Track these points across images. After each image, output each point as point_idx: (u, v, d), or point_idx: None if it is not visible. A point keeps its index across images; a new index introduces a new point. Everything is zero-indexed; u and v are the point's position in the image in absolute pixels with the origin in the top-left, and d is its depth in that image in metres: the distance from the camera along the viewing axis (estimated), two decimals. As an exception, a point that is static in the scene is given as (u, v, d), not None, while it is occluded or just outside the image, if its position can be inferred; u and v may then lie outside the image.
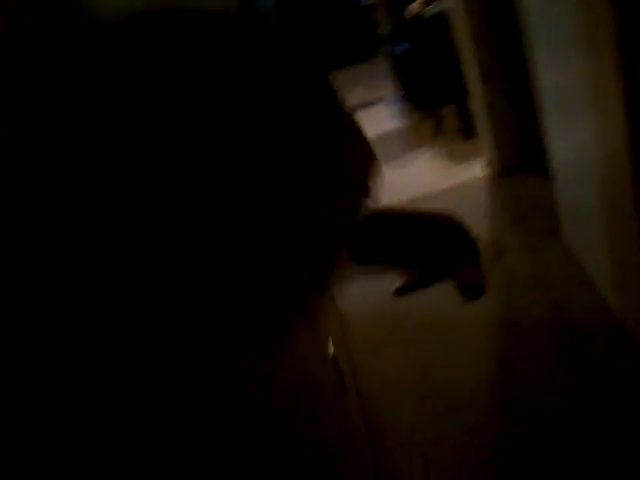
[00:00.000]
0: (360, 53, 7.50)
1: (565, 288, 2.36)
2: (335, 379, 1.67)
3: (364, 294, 2.78)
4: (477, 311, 2.42)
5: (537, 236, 2.75)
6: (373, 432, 1.98)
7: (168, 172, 0.43)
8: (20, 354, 0.49)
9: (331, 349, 1.82)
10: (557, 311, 2.27)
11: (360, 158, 0.61)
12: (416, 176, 3.87)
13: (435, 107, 4.39)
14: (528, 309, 2.35)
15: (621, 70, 1.50)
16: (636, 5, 1.44)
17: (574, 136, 2.14)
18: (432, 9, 4.14)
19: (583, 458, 1.68)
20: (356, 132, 0.60)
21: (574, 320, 2.19)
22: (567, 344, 2.11)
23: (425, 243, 2.76)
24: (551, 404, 1.89)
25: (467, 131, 4.11)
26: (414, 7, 4.38)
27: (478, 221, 2.96)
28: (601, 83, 1.71)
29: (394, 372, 2.24)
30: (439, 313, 2.49)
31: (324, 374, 1.42)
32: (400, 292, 2.67)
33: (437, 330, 2.40)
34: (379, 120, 5.27)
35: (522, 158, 3.34)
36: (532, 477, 1.67)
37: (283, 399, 0.89)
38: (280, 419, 0.82)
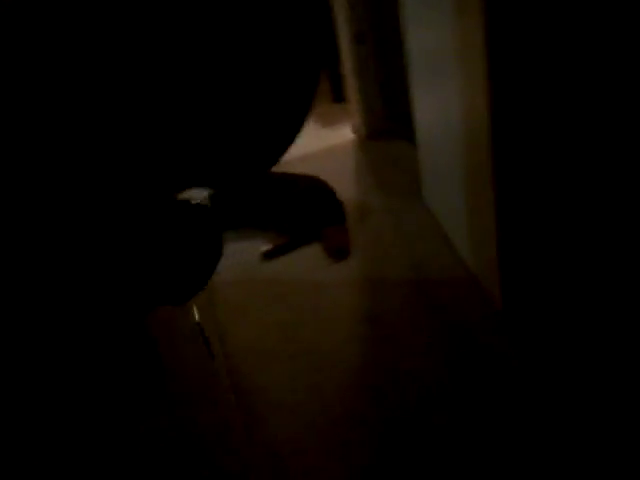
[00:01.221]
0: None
1: (426, 248, 2.46)
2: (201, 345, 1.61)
3: (231, 258, 2.72)
4: (343, 272, 2.46)
5: (401, 198, 2.83)
6: (243, 395, 1.95)
7: None
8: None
9: (195, 316, 1.74)
10: (418, 270, 2.36)
11: None
12: (286, 139, 3.82)
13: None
14: (391, 269, 2.41)
15: (485, 32, 1.53)
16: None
17: (438, 99, 2.20)
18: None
19: (443, 407, 1.76)
20: None
21: (434, 278, 2.29)
22: (427, 301, 2.20)
23: (292, 206, 2.75)
24: (413, 357, 1.96)
25: (337, 95, 4.12)
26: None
27: (344, 184, 2.99)
28: (465, 45, 1.76)
29: (262, 334, 2.22)
30: (306, 275, 2.50)
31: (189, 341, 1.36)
32: (268, 256, 2.65)
33: (304, 292, 2.40)
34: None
35: (390, 122, 3.41)
36: (401, 430, 1.73)
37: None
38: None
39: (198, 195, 2.87)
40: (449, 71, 1.95)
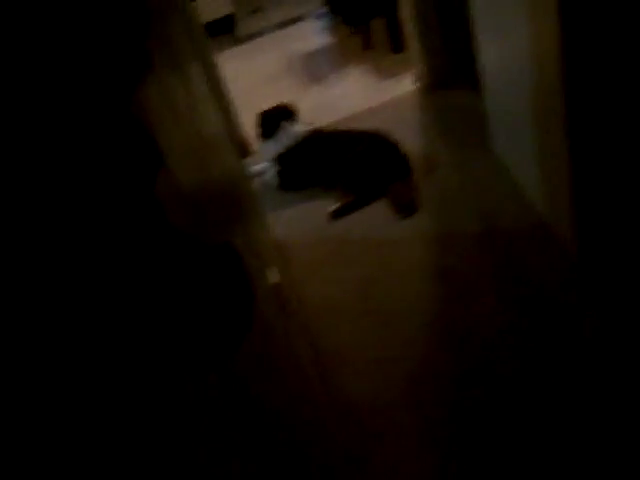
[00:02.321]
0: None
1: (495, 199, 2.41)
2: (278, 307, 1.66)
3: (300, 219, 2.76)
4: (411, 228, 2.46)
5: (468, 149, 2.77)
6: (318, 353, 2.01)
7: None
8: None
9: (273, 278, 1.80)
10: (489, 222, 2.32)
11: None
12: (345, 95, 3.79)
13: (362, 21, 4.25)
14: (461, 222, 2.39)
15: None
16: None
17: (504, 45, 2.12)
18: None
19: (519, 364, 1.76)
20: None
21: (505, 229, 2.25)
22: (499, 254, 2.17)
23: (357, 164, 2.74)
24: (485, 313, 1.96)
25: (396, 45, 4.02)
26: None
27: (409, 137, 2.94)
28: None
29: (335, 293, 2.26)
30: (375, 233, 2.51)
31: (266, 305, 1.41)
32: (336, 215, 2.67)
33: (374, 249, 2.42)
34: (305, 37, 5.09)
35: (452, 71, 3.30)
36: (474, 385, 1.75)
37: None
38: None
39: (268, 153, 2.86)
40: (517, 14, 1.86)
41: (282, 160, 2.92)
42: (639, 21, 1.52)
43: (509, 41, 2.06)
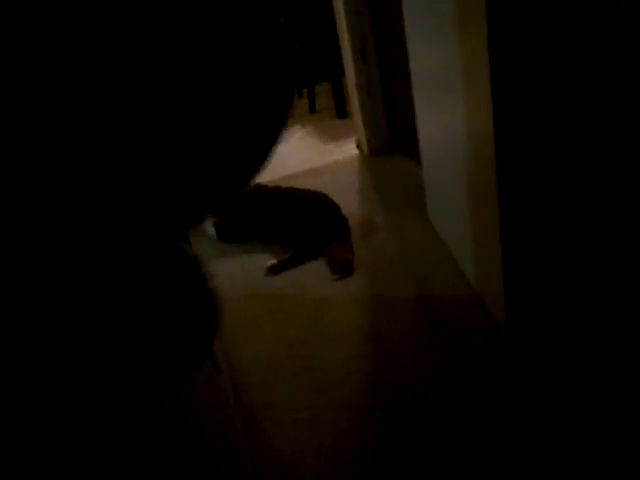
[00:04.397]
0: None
1: (430, 265, 2.47)
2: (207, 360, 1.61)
3: (235, 273, 2.73)
4: (347, 288, 2.47)
5: (405, 215, 2.85)
6: (247, 411, 1.95)
7: None
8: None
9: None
10: (422, 287, 2.37)
11: None
12: (288, 154, 3.85)
13: (308, 84, 4.40)
14: (395, 285, 2.43)
15: (489, 54, 1.56)
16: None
17: (442, 117, 2.22)
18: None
19: (450, 428, 1.77)
20: None
21: (438, 296, 2.30)
22: (431, 319, 2.21)
23: (297, 221, 2.77)
24: (417, 376, 1.97)
25: (340, 110, 4.16)
26: (289, -19, 4.32)
27: (349, 200, 3.01)
28: (469, 63, 1.78)
29: (266, 350, 2.23)
30: (311, 290, 2.51)
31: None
32: (273, 270, 2.66)
33: (309, 307, 2.41)
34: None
35: (393, 138, 3.44)
36: (405, 448, 1.73)
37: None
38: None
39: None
40: (453, 89, 1.97)
41: (221, 212, 2.90)
42: (573, 100, 1.64)
43: (445, 114, 2.17)
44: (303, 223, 2.75)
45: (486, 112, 1.69)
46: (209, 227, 2.98)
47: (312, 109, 4.42)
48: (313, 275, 2.60)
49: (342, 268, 2.57)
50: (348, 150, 3.61)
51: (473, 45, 1.68)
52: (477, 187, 1.98)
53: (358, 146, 3.56)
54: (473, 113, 1.85)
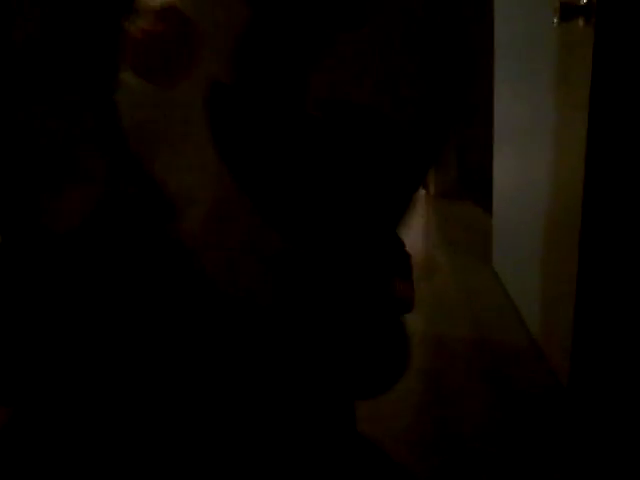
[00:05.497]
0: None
1: (490, 311, 2.45)
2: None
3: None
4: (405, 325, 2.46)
5: (468, 259, 2.84)
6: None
7: None
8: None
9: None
10: (480, 332, 2.35)
11: None
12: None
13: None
14: (453, 328, 2.41)
15: (590, 108, 1.56)
16: (614, 56, 1.51)
17: (524, 166, 2.22)
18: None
19: (499, 466, 1.74)
20: None
21: (496, 341, 2.28)
22: (487, 365, 2.18)
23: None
24: (467, 421, 1.94)
25: (408, 150, 4.21)
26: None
27: (412, 238, 3.02)
28: (563, 120, 1.79)
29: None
30: (366, 322, 2.51)
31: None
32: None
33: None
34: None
35: (463, 183, 3.45)
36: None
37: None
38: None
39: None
40: (542, 142, 1.97)
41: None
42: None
43: (528, 166, 2.16)
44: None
45: (576, 166, 1.67)
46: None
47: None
48: (371, 307, 2.60)
49: (401, 305, 2.56)
50: (414, 189, 3.63)
51: (572, 96, 1.69)
52: (555, 241, 1.96)
53: (425, 187, 3.58)
54: (561, 166, 1.84)
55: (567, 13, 1.61)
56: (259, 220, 0.55)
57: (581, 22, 1.56)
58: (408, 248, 2.91)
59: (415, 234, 3.13)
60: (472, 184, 3.33)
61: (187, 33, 0.51)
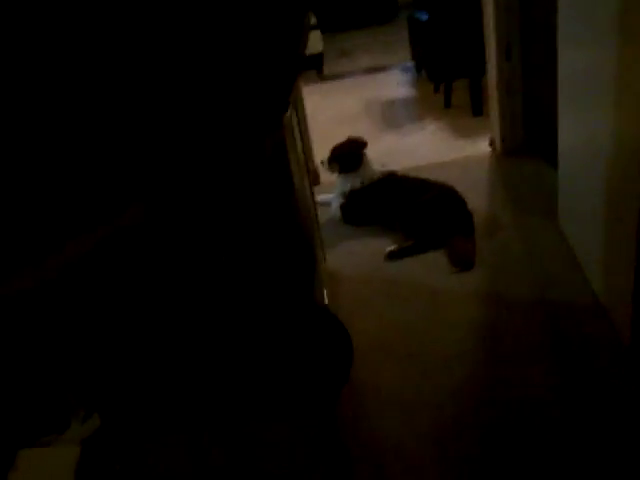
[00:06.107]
0: (380, 15, 7.39)
1: (553, 270, 2.43)
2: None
3: (356, 254, 2.83)
4: (465, 282, 2.49)
5: (533, 217, 2.80)
6: (353, 389, 2.04)
7: None
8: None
9: (326, 300, 1.86)
10: (543, 291, 2.34)
11: None
12: (419, 145, 3.89)
13: (447, 80, 4.38)
14: (515, 286, 2.41)
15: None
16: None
17: (587, 126, 2.17)
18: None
19: (559, 425, 1.76)
20: None
21: (559, 302, 2.26)
22: (549, 325, 2.18)
23: (423, 211, 2.80)
24: (527, 380, 1.96)
25: (476, 107, 4.11)
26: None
27: (476, 196, 3.00)
28: (625, 71, 1.73)
29: (379, 331, 2.30)
30: (428, 280, 2.55)
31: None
32: (392, 256, 2.73)
33: (424, 296, 2.45)
34: (388, 86, 5.25)
35: (529, 140, 3.36)
36: (501, 447, 1.75)
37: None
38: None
39: (337, 193, 2.98)
40: (604, 96, 1.92)
41: (353, 196, 3.01)
42: None
43: (591, 122, 2.11)
44: (428, 213, 2.79)
45: (638, 124, 1.64)
46: (336, 209, 3.09)
47: (447, 104, 4.41)
48: (432, 266, 2.64)
49: (462, 262, 2.58)
50: (480, 147, 3.57)
51: (632, 55, 1.64)
52: (617, 198, 1.93)
53: (491, 144, 3.52)
54: (623, 121, 1.80)
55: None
56: None
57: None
58: (472, 206, 2.91)
59: (480, 193, 3.10)
60: (539, 140, 3.24)
61: None
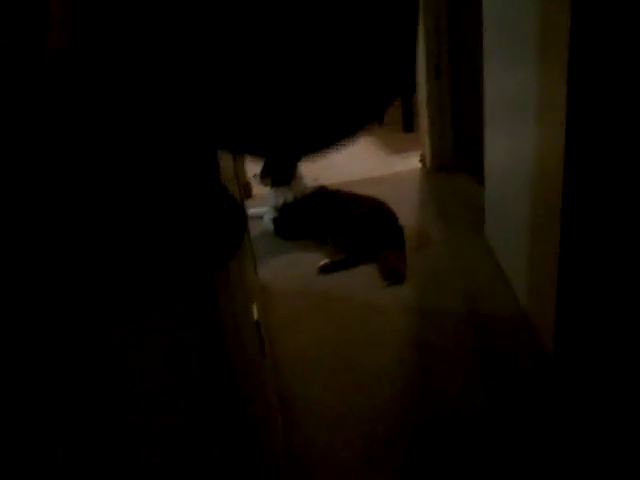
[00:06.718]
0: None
1: (481, 282, 2.48)
2: (257, 342, 1.67)
3: (288, 268, 2.80)
4: (396, 296, 2.50)
5: (461, 231, 2.86)
6: (284, 401, 2.00)
7: None
8: None
9: (255, 314, 1.82)
10: (471, 303, 2.38)
11: None
12: (353, 161, 3.91)
13: (379, 96, 4.45)
14: (444, 299, 2.44)
15: (567, 85, 1.57)
16: (590, 28, 1.51)
17: (512, 141, 2.24)
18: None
19: (485, 435, 1.78)
20: None
21: (486, 313, 2.31)
22: (477, 335, 2.21)
23: (354, 225, 2.81)
24: (456, 389, 1.98)
25: (407, 124, 4.20)
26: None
27: (407, 211, 3.04)
28: (545, 94, 1.79)
29: (309, 345, 2.27)
30: (359, 294, 2.55)
31: (249, 331, 1.43)
32: (324, 270, 2.72)
33: (355, 310, 2.45)
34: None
35: (457, 156, 3.45)
36: (433, 458, 1.75)
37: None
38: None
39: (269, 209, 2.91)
40: (526, 116, 1.98)
41: (285, 209, 2.98)
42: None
43: (516, 139, 2.18)
44: (359, 227, 2.80)
45: (558, 139, 1.70)
46: (268, 222, 3.06)
47: (380, 120, 4.48)
48: (363, 279, 2.64)
49: (393, 276, 2.60)
50: (411, 163, 3.64)
51: (552, 74, 1.70)
52: (540, 215, 1.99)
53: (421, 160, 3.59)
54: (544, 139, 1.86)
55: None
56: None
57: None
58: (402, 221, 2.94)
59: (411, 208, 3.15)
60: (467, 156, 3.33)
61: None
